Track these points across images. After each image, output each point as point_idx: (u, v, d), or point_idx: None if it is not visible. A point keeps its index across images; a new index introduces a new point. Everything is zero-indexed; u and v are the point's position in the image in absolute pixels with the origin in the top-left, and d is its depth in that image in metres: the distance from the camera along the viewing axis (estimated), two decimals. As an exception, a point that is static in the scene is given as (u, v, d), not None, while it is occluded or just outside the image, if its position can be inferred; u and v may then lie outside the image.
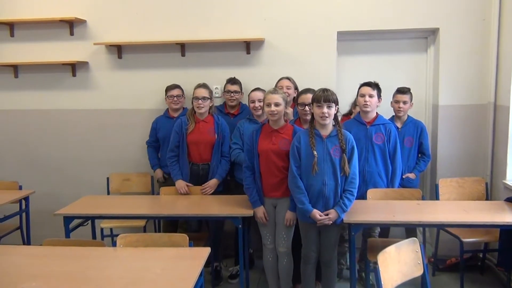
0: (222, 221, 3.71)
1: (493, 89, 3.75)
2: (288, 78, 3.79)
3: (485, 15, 3.78)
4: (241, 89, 3.85)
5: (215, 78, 4.04)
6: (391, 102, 3.69)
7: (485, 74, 3.82)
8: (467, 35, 3.83)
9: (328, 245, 3.06)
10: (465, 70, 3.87)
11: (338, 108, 2.98)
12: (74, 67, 4.26)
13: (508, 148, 3.54)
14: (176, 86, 3.91)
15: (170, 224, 3.86)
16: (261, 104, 3.46)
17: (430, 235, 4.06)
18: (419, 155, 3.71)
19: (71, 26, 4.19)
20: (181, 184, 3.57)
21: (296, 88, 3.77)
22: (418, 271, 2.39)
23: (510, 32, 3.50)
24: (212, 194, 3.57)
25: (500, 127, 3.70)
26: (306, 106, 3.25)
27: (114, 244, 2.62)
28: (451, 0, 3.81)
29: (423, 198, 3.42)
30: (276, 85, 3.75)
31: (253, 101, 3.53)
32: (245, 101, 3.95)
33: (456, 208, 3.16)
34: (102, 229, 3.96)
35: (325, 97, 2.86)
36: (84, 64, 4.25)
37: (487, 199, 3.66)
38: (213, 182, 3.58)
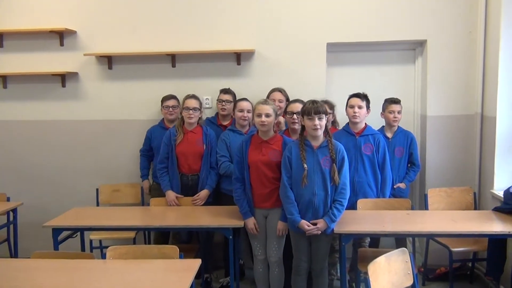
0: (212, 232, 3.70)
1: (480, 100, 3.80)
2: (280, 91, 3.81)
3: (471, 28, 3.85)
4: (234, 100, 3.86)
5: (206, 88, 4.05)
6: (382, 113, 3.74)
7: (472, 85, 3.88)
8: (454, 47, 3.89)
9: (318, 255, 3.07)
10: (453, 81, 3.93)
11: (328, 118, 3.01)
12: (64, 78, 4.24)
13: (495, 158, 3.58)
14: (172, 97, 3.91)
15: (161, 236, 3.84)
16: (250, 114, 3.48)
17: (420, 244, 4.08)
18: (409, 165, 3.76)
19: (61, 36, 4.18)
20: (171, 196, 3.56)
21: (287, 100, 3.79)
22: (408, 281, 2.40)
23: (495, 44, 3.56)
24: (203, 205, 3.56)
25: (487, 138, 3.74)
26: (294, 114, 3.29)
27: (103, 256, 2.61)
28: (439, 13, 3.88)
29: (412, 208, 3.44)
30: (268, 97, 3.76)
31: (242, 111, 3.54)
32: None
33: (445, 217, 3.19)
34: (91, 241, 3.91)
35: (315, 109, 2.89)
36: (74, 75, 4.23)
37: (475, 208, 3.70)
38: (203, 193, 3.58)
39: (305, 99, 3.11)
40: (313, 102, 2.93)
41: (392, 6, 3.91)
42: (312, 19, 3.98)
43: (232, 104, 3.81)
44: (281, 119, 3.57)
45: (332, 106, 3.69)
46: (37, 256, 2.58)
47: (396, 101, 3.69)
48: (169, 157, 3.62)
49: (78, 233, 3.44)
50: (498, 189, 3.53)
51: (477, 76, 3.82)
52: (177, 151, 3.59)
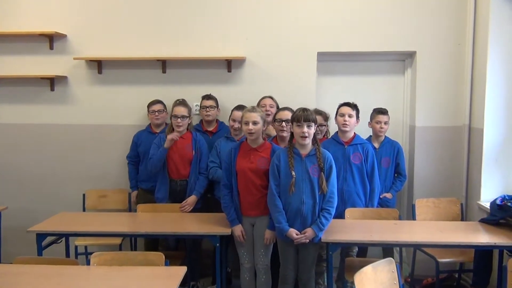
0: (200, 239, 3.67)
1: (468, 111, 3.85)
2: (271, 97, 3.83)
3: (460, 40, 3.90)
4: (217, 105, 3.87)
5: (196, 95, 4.02)
6: (369, 123, 3.76)
7: (460, 97, 3.93)
8: (443, 59, 3.94)
9: (305, 264, 3.06)
10: (441, 92, 3.96)
11: (321, 129, 3.01)
12: (52, 82, 4.20)
13: (482, 170, 3.61)
14: (158, 101, 3.91)
15: (150, 242, 3.80)
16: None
17: (407, 255, 4.09)
18: (396, 175, 3.77)
19: (51, 40, 4.15)
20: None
21: (278, 107, 3.81)
22: (394, 291, 2.40)
23: (483, 56, 3.61)
24: (191, 211, 3.54)
25: (474, 149, 3.78)
26: (283, 122, 3.29)
27: (88, 262, 2.56)
28: (428, 25, 3.93)
29: (400, 218, 3.45)
30: (259, 103, 3.78)
31: (234, 120, 3.54)
32: (222, 118, 3.96)
33: (432, 228, 3.20)
34: (76, 247, 3.87)
35: (305, 116, 2.89)
36: (63, 79, 4.20)
37: (462, 219, 3.71)
38: (191, 199, 3.56)
39: (295, 108, 3.10)
40: (304, 109, 2.94)
41: (382, 17, 3.95)
42: (303, 28, 4.00)
43: (216, 109, 3.84)
44: (271, 127, 3.57)
45: (326, 117, 3.70)
46: (19, 262, 2.53)
47: (383, 112, 3.71)
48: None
49: (63, 239, 3.39)
50: (485, 201, 3.56)
51: (465, 88, 3.86)
52: (166, 156, 3.56)
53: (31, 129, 4.27)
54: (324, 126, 3.67)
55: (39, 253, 3.08)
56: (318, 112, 3.57)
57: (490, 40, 3.53)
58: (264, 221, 3.10)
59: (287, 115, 3.28)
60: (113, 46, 4.10)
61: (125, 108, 4.17)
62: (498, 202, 3.18)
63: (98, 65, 4.16)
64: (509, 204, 3.08)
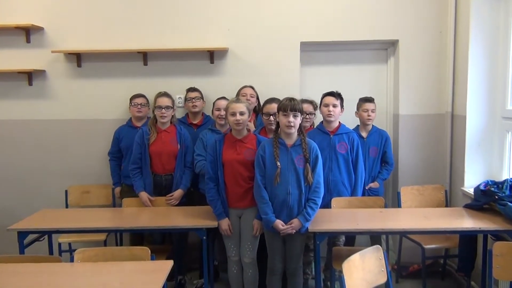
0: (186, 233, 3.64)
1: (450, 99, 3.87)
2: (251, 87, 3.80)
3: (441, 28, 3.91)
4: (202, 97, 3.82)
5: (178, 87, 3.98)
6: (356, 112, 3.76)
7: (442, 85, 3.95)
8: (425, 47, 3.95)
9: (293, 254, 3.05)
10: (424, 80, 3.98)
11: (303, 117, 2.99)
12: (30, 76, 4.09)
13: (465, 156, 3.64)
14: (141, 95, 3.86)
15: (135, 237, 3.75)
16: None
17: (393, 242, 4.12)
18: (383, 164, 3.78)
19: (28, 33, 4.04)
20: (144, 198, 3.48)
21: (257, 97, 3.78)
22: (382, 279, 2.41)
23: (465, 44, 3.62)
24: (177, 205, 3.50)
25: (457, 136, 3.81)
26: (271, 116, 3.25)
27: (72, 260, 2.50)
28: (410, 13, 3.93)
29: (385, 206, 3.47)
30: (239, 93, 3.74)
31: (219, 109, 3.49)
32: (208, 111, 3.92)
33: (417, 215, 3.22)
34: (60, 244, 3.80)
35: (291, 106, 2.87)
36: (41, 73, 4.10)
37: (446, 205, 3.76)
38: (178, 193, 3.52)
39: (280, 98, 3.08)
40: (291, 99, 2.91)
41: (364, 6, 3.94)
42: (285, 18, 3.97)
43: (201, 100, 3.80)
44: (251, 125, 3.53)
45: (315, 106, 3.68)
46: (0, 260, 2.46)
47: (369, 100, 3.71)
48: (141, 157, 3.53)
49: (46, 237, 3.32)
50: (469, 187, 3.59)
51: (448, 75, 3.88)
52: (150, 150, 3.52)
53: (9, 125, 4.17)
54: (313, 115, 3.65)
55: (21, 252, 3.01)
56: (307, 101, 3.56)
57: (471, 28, 3.54)
58: (251, 213, 3.09)
59: (275, 108, 3.22)
60: (92, 39, 4.01)
61: (106, 102, 4.09)
62: (481, 187, 3.21)
63: (77, 58, 4.06)
64: (492, 189, 3.12)
